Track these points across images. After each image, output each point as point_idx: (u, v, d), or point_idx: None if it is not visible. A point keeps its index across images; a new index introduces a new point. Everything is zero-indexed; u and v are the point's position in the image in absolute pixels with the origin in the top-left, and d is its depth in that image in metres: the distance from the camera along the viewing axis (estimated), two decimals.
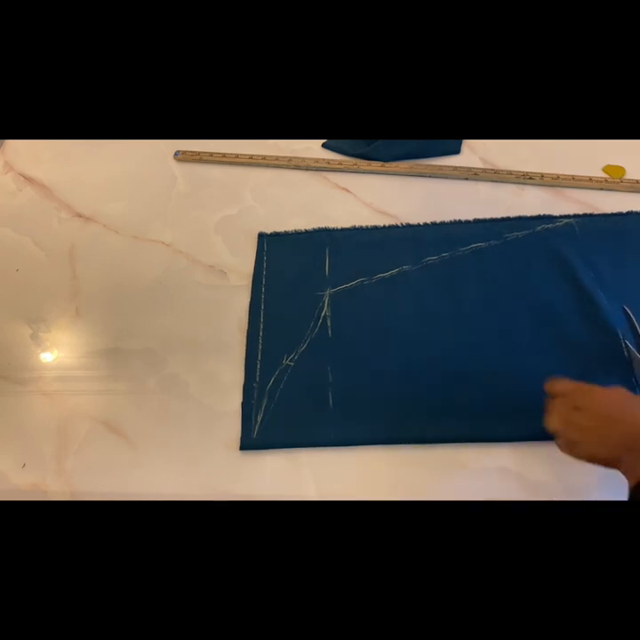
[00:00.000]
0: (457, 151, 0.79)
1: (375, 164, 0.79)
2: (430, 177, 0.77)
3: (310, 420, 0.59)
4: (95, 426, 0.62)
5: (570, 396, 0.49)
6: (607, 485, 0.52)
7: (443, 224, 0.71)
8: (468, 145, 0.80)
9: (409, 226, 0.72)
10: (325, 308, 0.66)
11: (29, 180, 0.85)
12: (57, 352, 0.69)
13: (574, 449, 0.47)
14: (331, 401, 0.60)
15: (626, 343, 0.59)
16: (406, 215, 0.73)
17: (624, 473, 0.43)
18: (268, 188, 0.79)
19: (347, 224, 0.73)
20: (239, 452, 0.59)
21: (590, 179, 0.73)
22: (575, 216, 0.69)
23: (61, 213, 0.80)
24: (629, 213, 0.69)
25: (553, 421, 0.49)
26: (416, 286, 0.67)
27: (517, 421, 0.57)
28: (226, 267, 0.72)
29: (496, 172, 0.76)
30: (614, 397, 0.48)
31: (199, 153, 0.83)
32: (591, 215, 0.69)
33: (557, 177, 0.74)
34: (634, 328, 0.59)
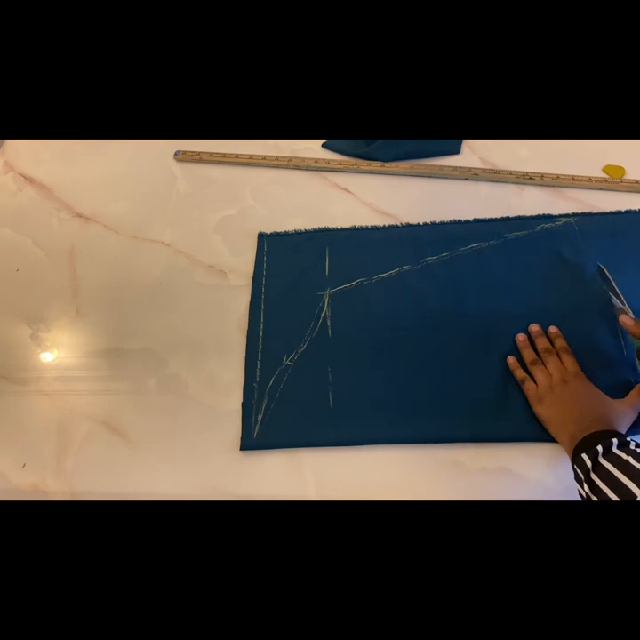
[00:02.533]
0: (457, 151, 0.79)
1: (375, 164, 0.79)
2: (430, 177, 0.77)
3: (310, 420, 0.59)
4: (95, 426, 0.62)
5: (568, 372, 0.56)
6: None
7: (443, 224, 0.71)
8: (468, 145, 0.80)
9: (409, 226, 0.72)
10: (325, 307, 0.66)
11: (29, 179, 0.85)
12: (57, 352, 0.69)
13: (538, 406, 0.56)
14: (331, 401, 0.60)
15: (610, 298, 0.61)
16: (406, 215, 0.73)
17: (561, 443, 0.53)
18: (268, 188, 0.79)
19: (347, 224, 0.73)
20: (239, 453, 0.59)
21: (590, 179, 0.73)
22: (574, 215, 0.69)
23: (61, 213, 0.80)
24: (628, 212, 0.69)
25: (543, 375, 0.57)
26: (416, 286, 0.67)
27: (517, 421, 0.57)
28: (226, 267, 0.72)
29: (496, 172, 0.76)
30: (594, 395, 0.54)
31: (199, 153, 0.83)
32: (590, 214, 0.69)
33: (557, 177, 0.74)
34: (612, 288, 0.61)
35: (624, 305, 0.59)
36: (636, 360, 0.57)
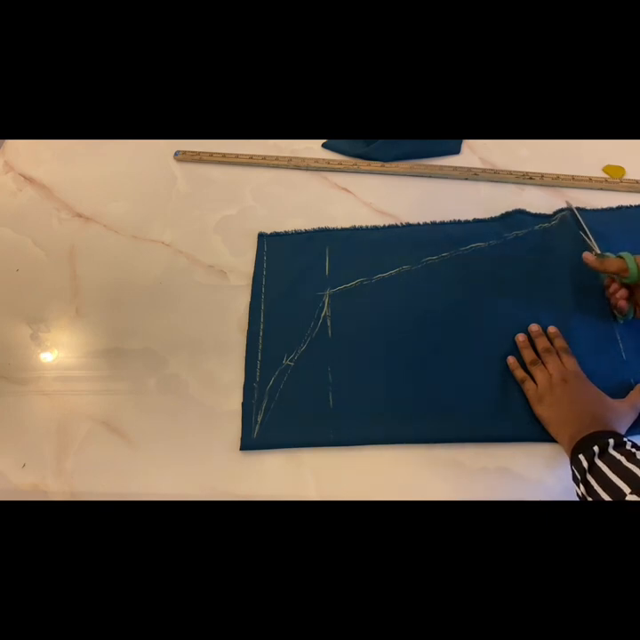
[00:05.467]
0: (457, 151, 0.79)
1: (375, 164, 0.79)
2: (430, 177, 0.77)
3: (310, 420, 0.59)
4: (95, 426, 0.62)
5: (568, 371, 0.56)
6: None
7: (443, 224, 0.71)
8: (468, 145, 0.80)
9: (409, 226, 0.72)
10: (325, 308, 0.66)
11: (29, 179, 0.85)
12: (57, 352, 0.69)
13: (538, 406, 0.56)
14: (331, 401, 0.60)
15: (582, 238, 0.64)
16: (406, 215, 0.73)
17: (560, 443, 0.53)
18: (268, 188, 0.79)
19: (347, 224, 0.73)
20: (239, 453, 0.59)
21: (590, 179, 0.73)
22: (569, 209, 0.69)
23: (61, 213, 0.80)
24: (619, 208, 0.70)
25: (543, 375, 0.56)
26: (416, 286, 0.67)
27: (517, 421, 0.57)
28: (226, 267, 0.72)
29: (496, 172, 0.76)
30: (594, 395, 0.54)
31: (199, 153, 0.83)
32: (585, 210, 0.69)
33: (557, 177, 0.74)
34: (581, 226, 0.64)
35: (592, 241, 0.61)
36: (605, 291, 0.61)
